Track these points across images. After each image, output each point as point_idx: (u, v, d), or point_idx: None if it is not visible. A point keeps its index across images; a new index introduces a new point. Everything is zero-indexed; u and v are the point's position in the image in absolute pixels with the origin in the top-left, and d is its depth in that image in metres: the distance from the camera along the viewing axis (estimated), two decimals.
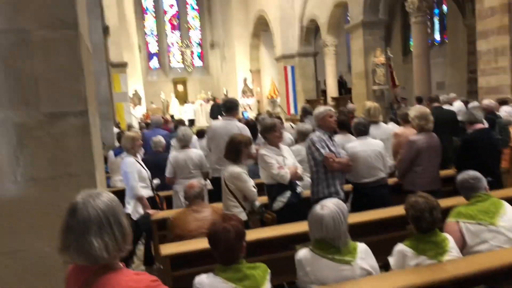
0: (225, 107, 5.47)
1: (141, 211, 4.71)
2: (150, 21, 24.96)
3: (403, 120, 5.58)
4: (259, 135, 5.06)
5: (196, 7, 25.82)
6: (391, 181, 4.76)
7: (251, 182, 3.98)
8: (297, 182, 4.12)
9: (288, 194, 3.98)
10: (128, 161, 4.79)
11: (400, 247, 2.73)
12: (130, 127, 11.44)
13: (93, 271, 1.45)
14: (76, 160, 2.13)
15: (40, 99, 2.09)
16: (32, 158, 2.06)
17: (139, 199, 4.72)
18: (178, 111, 21.77)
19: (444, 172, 5.16)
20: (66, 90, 2.13)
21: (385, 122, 6.85)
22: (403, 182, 4.51)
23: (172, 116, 18.67)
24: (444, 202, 3.45)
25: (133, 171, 4.72)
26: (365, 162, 4.31)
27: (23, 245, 2.07)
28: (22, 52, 2.06)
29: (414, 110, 4.57)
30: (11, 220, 2.05)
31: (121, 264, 1.55)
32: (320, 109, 4.30)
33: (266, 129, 4.17)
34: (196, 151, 5.40)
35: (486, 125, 5.29)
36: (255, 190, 3.98)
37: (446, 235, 2.79)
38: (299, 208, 3.91)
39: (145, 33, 24.71)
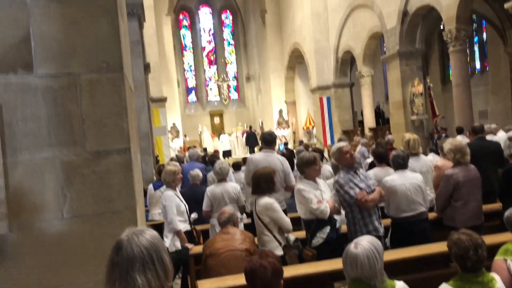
0: (265, 140, 5.49)
1: (178, 245, 4.75)
2: (188, 57, 25.90)
3: (443, 152, 5.44)
4: (296, 167, 5.03)
5: (232, 42, 26.64)
6: (432, 215, 4.60)
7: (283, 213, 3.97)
8: (335, 216, 4.05)
9: (327, 229, 3.89)
10: (167, 194, 4.89)
11: (444, 286, 2.62)
12: (172, 160, 11.69)
13: None
14: (119, 196, 2.21)
15: (86, 138, 2.20)
16: (78, 196, 2.15)
17: (177, 233, 4.77)
18: (211, 144, 22.09)
19: (489, 206, 4.95)
20: (110, 129, 2.23)
21: (425, 153, 6.69)
22: (443, 217, 4.36)
23: (205, 149, 18.93)
24: (491, 239, 3.31)
25: (172, 205, 4.80)
26: (404, 196, 4.21)
27: (68, 280, 2.13)
28: (71, 94, 2.19)
29: (449, 143, 4.46)
30: (57, 255, 2.12)
31: None
32: (333, 148, 4.20)
33: (306, 163, 4.06)
34: (233, 185, 5.45)
35: None
36: (288, 219, 3.95)
37: (494, 274, 2.65)
38: (337, 243, 3.84)
39: (184, 69, 25.62)
